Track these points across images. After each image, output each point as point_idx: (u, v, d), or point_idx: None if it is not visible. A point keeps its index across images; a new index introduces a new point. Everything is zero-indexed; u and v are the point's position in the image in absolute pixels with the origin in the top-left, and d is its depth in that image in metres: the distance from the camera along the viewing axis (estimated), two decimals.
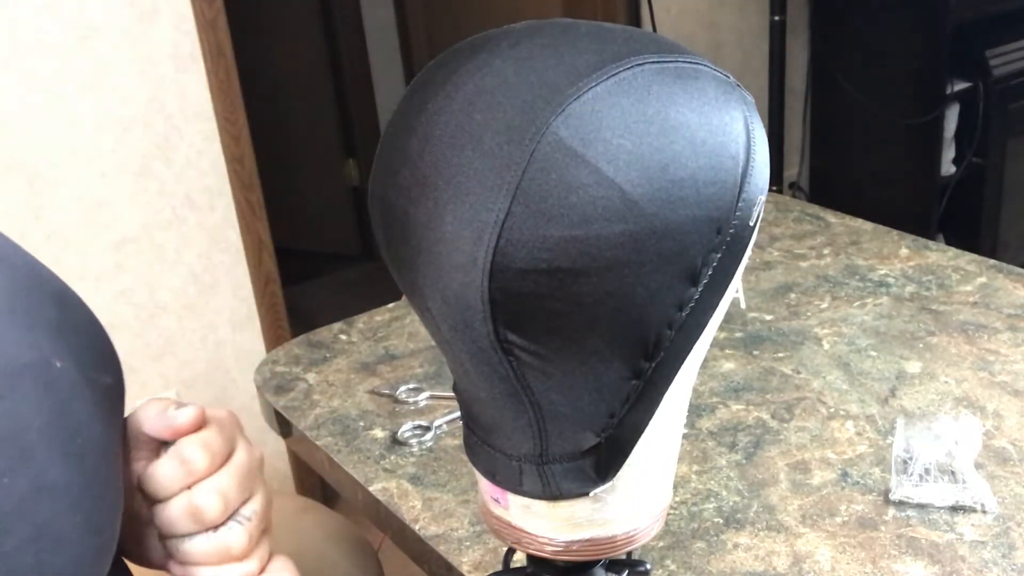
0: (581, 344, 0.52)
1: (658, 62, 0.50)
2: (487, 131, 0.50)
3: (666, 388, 0.55)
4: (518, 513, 0.58)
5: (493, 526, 0.60)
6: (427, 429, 1.00)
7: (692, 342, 0.54)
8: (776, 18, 2.40)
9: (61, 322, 0.56)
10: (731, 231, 0.51)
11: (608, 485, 0.56)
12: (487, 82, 0.51)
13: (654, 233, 0.49)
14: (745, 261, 0.54)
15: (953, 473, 0.86)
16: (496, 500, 0.59)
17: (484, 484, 0.60)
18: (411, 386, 1.08)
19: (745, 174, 0.51)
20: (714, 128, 0.50)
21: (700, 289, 0.52)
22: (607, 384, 0.53)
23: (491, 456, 0.57)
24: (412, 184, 0.52)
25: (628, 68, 0.50)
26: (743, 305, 1.13)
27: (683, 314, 0.52)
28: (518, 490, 0.57)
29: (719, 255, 0.51)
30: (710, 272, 0.51)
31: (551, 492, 0.56)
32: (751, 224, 0.52)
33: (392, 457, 0.98)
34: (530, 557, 0.61)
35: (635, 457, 0.56)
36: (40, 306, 0.56)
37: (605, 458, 0.55)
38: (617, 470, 0.56)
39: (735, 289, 0.56)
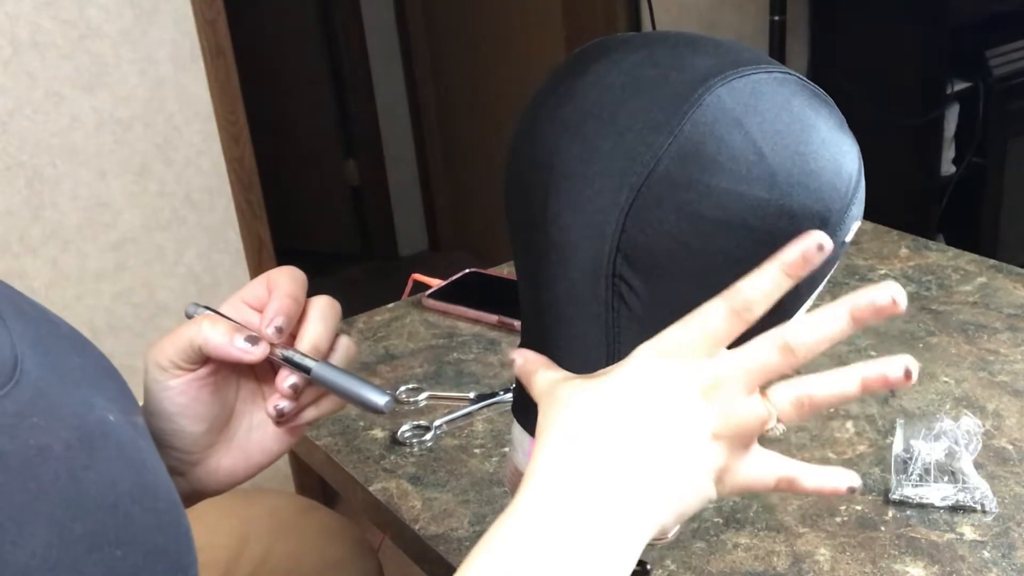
0: (677, 297, 0.55)
1: (800, 78, 0.56)
2: (655, 88, 0.54)
3: None
4: None
5: None
6: (427, 429, 1.00)
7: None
8: (776, 18, 2.39)
9: (88, 369, 0.51)
10: (833, 237, 0.55)
11: None
12: (645, 63, 0.56)
13: (780, 208, 0.54)
14: (827, 277, 0.59)
15: (953, 473, 0.86)
16: None
17: (524, 446, 0.61)
18: (411, 386, 1.08)
19: (853, 194, 0.57)
20: (840, 145, 0.56)
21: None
22: None
23: None
24: (573, 117, 0.56)
25: (780, 72, 0.56)
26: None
27: None
28: None
29: None
30: None
31: None
32: (845, 240, 0.57)
33: (392, 457, 0.98)
34: None
35: None
36: (69, 356, 0.50)
37: None
38: None
39: (808, 304, 0.59)
